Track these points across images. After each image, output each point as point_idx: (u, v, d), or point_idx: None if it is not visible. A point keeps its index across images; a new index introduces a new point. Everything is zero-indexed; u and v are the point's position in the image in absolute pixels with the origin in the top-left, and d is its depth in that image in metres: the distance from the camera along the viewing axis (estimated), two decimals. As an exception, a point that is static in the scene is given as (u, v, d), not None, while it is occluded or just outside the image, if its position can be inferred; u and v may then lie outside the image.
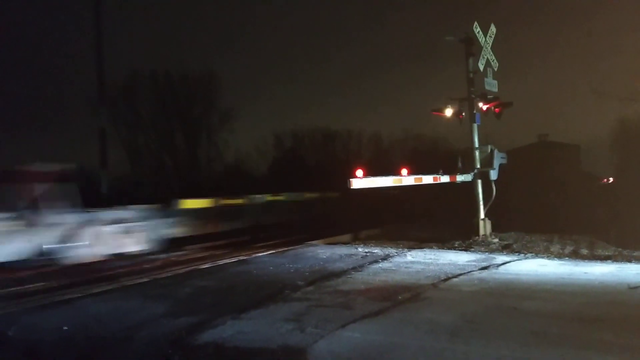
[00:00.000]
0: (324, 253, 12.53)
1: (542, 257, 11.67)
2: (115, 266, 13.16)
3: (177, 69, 38.05)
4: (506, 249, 13.08)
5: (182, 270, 11.43)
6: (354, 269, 10.23)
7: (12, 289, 10.18)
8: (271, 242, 16.13)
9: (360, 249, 13.05)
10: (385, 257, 11.54)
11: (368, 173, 13.03)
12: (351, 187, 12.61)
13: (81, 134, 48.34)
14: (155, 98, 37.98)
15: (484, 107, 15.04)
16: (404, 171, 13.52)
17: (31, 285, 10.54)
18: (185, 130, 38.45)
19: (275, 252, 13.25)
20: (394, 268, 10.31)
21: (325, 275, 9.58)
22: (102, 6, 21.91)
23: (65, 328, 6.76)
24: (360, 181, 12.64)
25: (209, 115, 38.91)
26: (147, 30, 64.24)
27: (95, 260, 13.24)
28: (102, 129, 22.07)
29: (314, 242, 15.08)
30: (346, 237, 17.23)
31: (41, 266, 12.98)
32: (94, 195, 21.31)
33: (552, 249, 13.07)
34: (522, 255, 11.94)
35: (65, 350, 6.11)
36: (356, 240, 16.52)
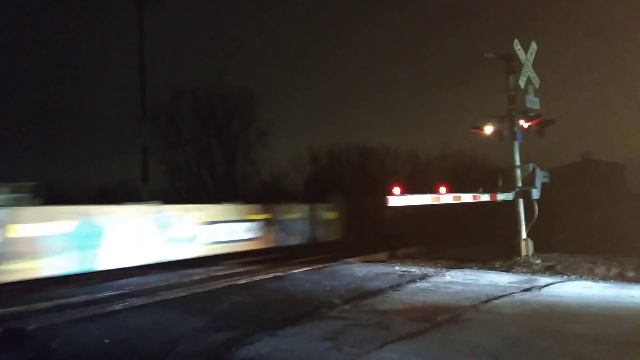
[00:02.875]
0: (360, 271, 12.43)
1: (587, 279, 11.28)
2: (154, 280, 13.39)
3: (216, 87, 38.81)
4: (549, 270, 12.69)
5: (219, 285, 11.53)
6: (391, 288, 10.10)
7: (56, 301, 10.46)
8: (307, 259, 16.11)
9: (397, 268, 12.89)
10: (423, 277, 11.35)
11: (405, 191, 12.90)
12: (388, 205, 12.51)
13: (125, 150, 49.74)
14: (195, 115, 38.73)
15: (525, 125, 14.74)
16: (443, 189, 13.33)
17: (73, 298, 10.82)
18: (223, 146, 39.04)
19: (311, 269, 13.22)
20: (432, 288, 10.12)
21: (361, 294, 9.49)
22: (144, 28, 22.63)
23: (106, 341, 6.89)
24: (397, 199, 12.53)
25: (246, 132, 39.43)
26: (188, 50, 65.90)
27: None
28: (144, 145, 22.64)
29: (349, 259, 14.98)
30: (383, 255, 17.06)
31: (82, 279, 13.36)
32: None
33: (596, 271, 12.59)
34: (566, 277, 11.57)
35: (106, 362, 6.22)
36: (393, 258, 16.35)
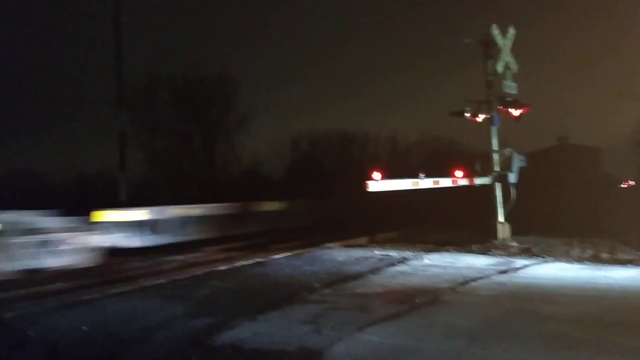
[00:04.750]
0: (341, 256, 12.51)
1: (562, 261, 11.52)
2: (133, 267, 13.29)
3: (195, 72, 38.33)
4: (525, 252, 12.94)
5: (199, 271, 11.49)
6: (371, 271, 10.19)
7: (32, 289, 10.33)
8: (287, 244, 16.14)
9: (377, 252, 12.99)
10: (402, 260, 11.47)
11: (385, 176, 12.97)
12: (368, 190, 12.57)
13: (101, 137, 49.00)
14: (174, 101, 38.28)
15: (503, 110, 14.90)
16: (421, 175, 13.45)
17: (51, 286, 10.69)
18: (203, 133, 38.70)
19: (292, 254, 13.25)
20: (411, 271, 10.25)
21: (342, 278, 9.55)
22: (120, 12, 22.18)
23: (84, 328, 6.83)
24: (377, 184, 12.60)
25: (226, 118, 39.12)
26: (165, 34, 64.97)
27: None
28: (121, 132, 22.30)
29: (330, 244, 15.06)
30: (363, 239, 17.18)
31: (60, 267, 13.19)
32: (114, 197, 21.66)
33: (572, 253, 12.88)
34: (542, 259, 11.80)
35: (85, 350, 6.17)
36: (373, 243, 16.47)
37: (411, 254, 12.52)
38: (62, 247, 13.12)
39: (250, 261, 12.48)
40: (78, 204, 16.70)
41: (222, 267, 11.80)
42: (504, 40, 15.03)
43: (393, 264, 11.00)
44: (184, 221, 18.47)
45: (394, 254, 12.63)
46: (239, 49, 67.42)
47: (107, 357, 5.96)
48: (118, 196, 21.50)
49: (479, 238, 14.55)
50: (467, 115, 15.02)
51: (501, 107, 14.89)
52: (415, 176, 13.49)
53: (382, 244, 15.46)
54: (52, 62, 60.41)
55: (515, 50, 15.30)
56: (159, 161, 37.97)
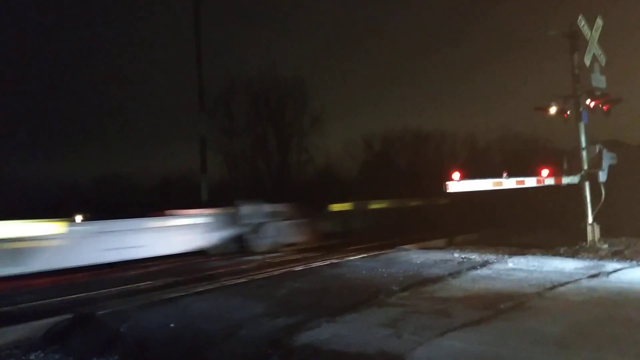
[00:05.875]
0: (418, 258, 12.28)
1: (658, 265, 10.68)
2: (215, 266, 13.76)
3: (270, 75, 39.17)
4: (617, 255, 12.13)
5: (277, 272, 11.70)
6: (451, 275, 9.91)
7: (123, 287, 10.95)
8: (362, 246, 16.08)
9: (456, 255, 12.64)
10: (484, 264, 11.08)
11: (464, 176, 12.58)
12: (447, 191, 12.25)
13: (183, 140, 51.17)
14: (250, 105, 39.33)
15: (592, 105, 14.04)
16: (504, 174, 12.92)
17: (140, 284, 11.28)
18: (278, 135, 39.45)
19: (367, 255, 13.17)
20: (494, 275, 9.86)
21: (420, 281, 9.36)
22: (200, 23, 23.01)
23: (171, 325, 7.13)
24: (457, 184, 12.24)
25: (299, 120, 39.68)
26: (242, 39, 66.85)
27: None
28: (202, 136, 23.15)
29: (406, 246, 14.82)
30: (441, 241, 16.77)
31: (148, 265, 13.94)
32: (196, 198, 22.57)
33: (669, 256, 11.91)
34: (635, 262, 11.00)
35: (173, 346, 6.44)
36: (451, 245, 16.04)
37: (493, 257, 12.06)
38: (301, 229, 18.39)
39: (327, 262, 12.55)
40: (163, 205, 17.63)
41: (299, 268, 11.95)
42: (591, 31, 14.17)
43: (474, 268, 10.64)
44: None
45: (475, 256, 12.23)
46: (310, 50, 68.13)
47: (193, 353, 6.18)
48: (200, 197, 22.36)
49: (567, 240, 13.79)
50: (553, 110, 14.27)
51: (590, 102, 14.03)
52: (497, 175, 12.97)
53: (462, 246, 15.02)
54: (136, 69, 63.85)
55: (604, 41, 14.40)
56: (236, 163, 39.12)
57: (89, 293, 10.45)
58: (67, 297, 10.23)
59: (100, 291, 10.61)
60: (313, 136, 39.44)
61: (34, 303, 9.80)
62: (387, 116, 68.31)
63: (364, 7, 73.75)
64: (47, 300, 9.93)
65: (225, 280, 10.77)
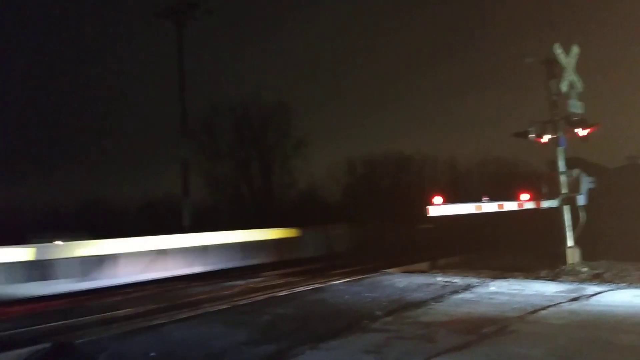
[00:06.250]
0: (401, 282, 12.27)
1: (637, 287, 10.82)
2: (197, 292, 13.58)
3: (252, 100, 39.32)
4: (597, 278, 12.27)
5: (259, 297, 11.59)
6: (434, 299, 9.91)
7: (101, 314, 10.73)
8: (346, 270, 16.03)
9: (439, 278, 12.66)
10: (467, 287, 11.11)
11: (445, 200, 12.71)
12: (428, 215, 12.35)
13: (165, 164, 50.81)
14: (233, 128, 39.36)
15: (569, 130, 14.35)
16: (485, 199, 13.09)
17: (120, 311, 11.07)
18: (261, 158, 39.45)
19: (351, 280, 13.12)
20: (476, 299, 9.89)
21: (403, 306, 9.35)
22: (183, 51, 23.14)
23: (152, 354, 6.99)
24: (438, 208, 12.35)
25: (283, 144, 39.76)
26: (225, 64, 67.15)
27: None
28: (184, 161, 23.06)
29: (389, 270, 14.82)
30: (424, 265, 16.82)
31: (128, 292, 13.69)
32: (176, 222, 22.38)
33: (647, 279, 12.08)
34: (615, 285, 11.13)
35: (153, 375, 6.31)
36: (434, 268, 16.08)
37: (476, 280, 12.11)
38: None
39: (310, 287, 12.47)
40: (144, 230, 17.41)
41: (282, 293, 11.86)
42: (568, 58, 14.55)
43: (457, 292, 10.67)
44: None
45: (458, 280, 12.26)
46: (293, 74, 68.73)
47: (174, 383, 6.06)
48: (181, 221, 22.18)
49: (547, 263, 13.93)
50: (532, 136, 14.54)
51: (567, 127, 14.34)
52: (478, 199, 13.12)
53: (444, 269, 15.07)
54: (118, 93, 63.61)
55: (581, 68, 14.80)
56: (219, 187, 38.95)
57: (67, 321, 10.22)
58: (44, 325, 9.98)
59: (79, 319, 10.39)
60: (296, 159, 39.52)
61: (10, 332, 9.56)
62: (370, 140, 68.85)
63: (347, 34, 74.95)
64: (24, 329, 9.70)
65: (207, 307, 10.62)
